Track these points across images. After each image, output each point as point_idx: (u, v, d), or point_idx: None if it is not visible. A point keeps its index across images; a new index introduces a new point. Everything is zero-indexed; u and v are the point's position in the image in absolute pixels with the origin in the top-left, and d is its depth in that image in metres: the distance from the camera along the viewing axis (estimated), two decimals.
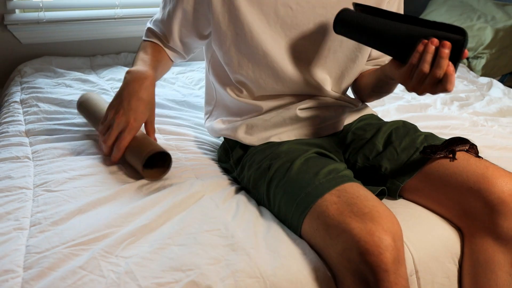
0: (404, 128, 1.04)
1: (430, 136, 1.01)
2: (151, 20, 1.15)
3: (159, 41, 1.13)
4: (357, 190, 0.81)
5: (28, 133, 1.25)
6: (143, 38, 1.16)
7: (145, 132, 1.07)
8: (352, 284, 0.74)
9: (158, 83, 1.76)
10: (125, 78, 1.02)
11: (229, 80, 1.07)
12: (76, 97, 1.51)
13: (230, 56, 1.02)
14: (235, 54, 1.01)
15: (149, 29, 1.14)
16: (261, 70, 1.01)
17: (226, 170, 1.12)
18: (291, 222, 0.86)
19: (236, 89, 1.07)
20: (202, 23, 1.03)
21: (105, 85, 1.72)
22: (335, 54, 1.03)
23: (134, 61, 1.09)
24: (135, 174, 1.04)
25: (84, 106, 1.25)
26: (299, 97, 1.06)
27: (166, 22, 1.08)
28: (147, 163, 1.02)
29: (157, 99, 1.53)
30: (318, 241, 0.80)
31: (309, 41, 1.00)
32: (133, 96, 0.99)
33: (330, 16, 0.98)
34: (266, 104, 1.06)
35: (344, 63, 1.06)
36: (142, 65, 1.05)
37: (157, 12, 1.13)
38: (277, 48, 0.99)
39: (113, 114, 1.00)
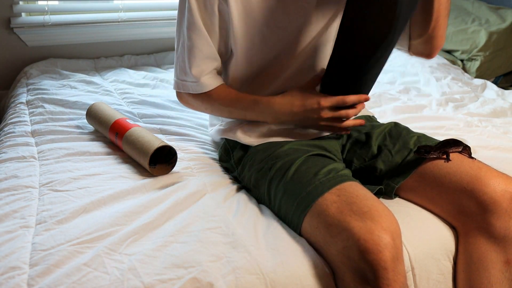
0: (397, 130, 1.06)
1: (422, 136, 1.03)
2: (189, 72, 1.02)
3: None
4: (356, 189, 0.83)
5: (34, 134, 1.27)
6: (197, 92, 1.04)
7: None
8: (352, 281, 0.75)
9: (160, 84, 1.78)
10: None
11: None
12: (80, 98, 1.53)
13: (234, 77, 1.05)
14: (238, 71, 1.04)
15: (201, 81, 1.02)
16: (259, 84, 1.05)
17: (227, 170, 1.13)
18: (291, 221, 0.87)
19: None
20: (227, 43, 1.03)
21: (109, 87, 1.73)
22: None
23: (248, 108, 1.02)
24: (138, 173, 1.06)
25: (94, 114, 1.26)
26: None
27: (210, 56, 1.01)
28: (153, 159, 1.04)
29: (159, 100, 1.56)
30: (318, 239, 0.81)
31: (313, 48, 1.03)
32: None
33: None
34: None
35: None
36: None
37: (182, 65, 1.03)
38: (275, 62, 1.02)
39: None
